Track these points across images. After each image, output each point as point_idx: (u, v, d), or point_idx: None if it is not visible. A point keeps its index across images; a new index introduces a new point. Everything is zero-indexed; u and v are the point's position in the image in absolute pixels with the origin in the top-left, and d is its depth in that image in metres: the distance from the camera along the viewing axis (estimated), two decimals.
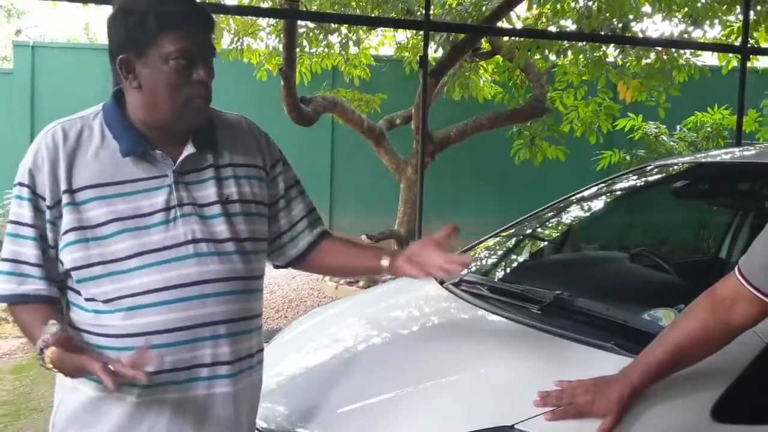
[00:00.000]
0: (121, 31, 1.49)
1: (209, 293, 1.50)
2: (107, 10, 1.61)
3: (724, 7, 7.15)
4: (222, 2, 7.07)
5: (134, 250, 1.48)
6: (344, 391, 1.89)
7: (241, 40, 7.57)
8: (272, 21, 7.43)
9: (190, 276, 1.49)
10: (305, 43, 7.45)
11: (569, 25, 7.45)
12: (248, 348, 1.60)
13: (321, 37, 7.55)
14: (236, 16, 7.21)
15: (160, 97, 1.49)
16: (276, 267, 1.81)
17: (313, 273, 1.96)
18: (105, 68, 1.84)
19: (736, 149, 4.03)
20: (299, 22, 6.79)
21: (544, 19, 7.50)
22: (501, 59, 7.95)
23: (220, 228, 1.54)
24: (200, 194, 1.55)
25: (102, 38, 7.85)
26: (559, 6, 7.07)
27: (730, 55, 7.35)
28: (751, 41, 6.74)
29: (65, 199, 1.48)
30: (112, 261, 1.47)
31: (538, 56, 7.46)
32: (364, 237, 7.02)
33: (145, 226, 1.49)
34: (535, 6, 7.27)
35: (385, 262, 1.68)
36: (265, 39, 7.84)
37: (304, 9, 6.98)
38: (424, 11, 5.06)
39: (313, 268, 1.86)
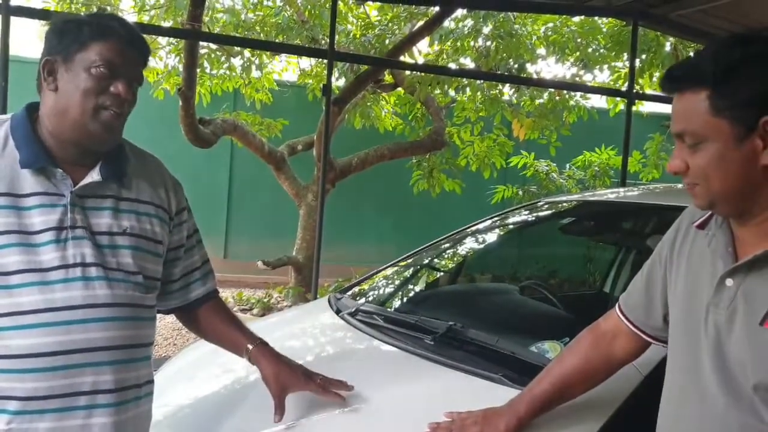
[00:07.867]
0: (54, 38, 1.48)
1: (92, 318, 1.44)
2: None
3: (613, 53, 7.61)
4: None
5: (18, 267, 1.41)
6: (234, 424, 1.85)
7: None
8: (173, 40, 7.29)
9: (74, 299, 1.43)
10: (206, 64, 7.34)
11: (468, 63, 7.70)
12: (135, 377, 1.54)
13: (223, 59, 7.46)
14: None
15: (71, 101, 1.45)
16: (157, 311, 1.77)
17: (185, 326, 1.94)
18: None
19: (621, 189, 4.24)
20: (201, 43, 6.69)
21: (444, 56, 7.72)
22: (402, 92, 8.11)
23: (110, 258, 1.50)
24: (95, 221, 1.50)
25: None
26: (459, 44, 7.30)
27: (617, 99, 7.81)
28: (637, 87, 7.18)
29: None
30: None
31: (438, 91, 7.67)
32: (260, 263, 6.92)
33: (34, 243, 1.43)
34: (436, 42, 7.49)
35: (246, 355, 1.75)
36: (164, 58, 7.68)
37: (207, 30, 6.89)
38: (328, 40, 5.09)
39: (188, 323, 1.87)
